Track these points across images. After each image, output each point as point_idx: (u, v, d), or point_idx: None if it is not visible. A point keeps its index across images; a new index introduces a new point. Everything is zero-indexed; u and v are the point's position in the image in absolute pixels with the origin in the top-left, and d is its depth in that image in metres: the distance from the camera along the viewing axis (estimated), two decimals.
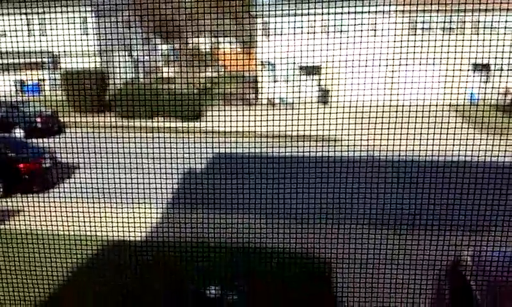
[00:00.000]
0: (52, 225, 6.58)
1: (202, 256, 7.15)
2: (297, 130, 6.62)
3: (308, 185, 6.37)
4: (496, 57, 6.17)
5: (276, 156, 7.20)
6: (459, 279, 6.23)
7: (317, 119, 6.66)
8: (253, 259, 8.01)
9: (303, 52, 7.46)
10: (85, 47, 7.35)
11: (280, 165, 6.62)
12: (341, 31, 7.51)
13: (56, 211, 6.60)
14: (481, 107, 8.60)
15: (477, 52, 6.09)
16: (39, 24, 7.70)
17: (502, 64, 6.60)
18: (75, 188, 7.82)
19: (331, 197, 6.40)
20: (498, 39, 6.19)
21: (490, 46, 6.27)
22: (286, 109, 8.03)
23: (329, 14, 6.83)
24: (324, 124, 6.64)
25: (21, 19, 7.29)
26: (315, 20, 7.87)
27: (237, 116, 6.78)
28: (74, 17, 6.93)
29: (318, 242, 6.39)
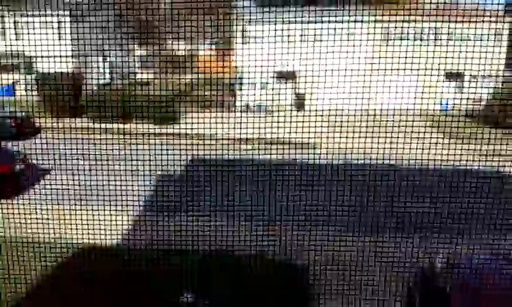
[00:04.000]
0: (22, 231, 6.50)
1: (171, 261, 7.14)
2: (271, 134, 6.68)
3: (281, 190, 6.43)
4: (464, 65, 6.34)
5: (250, 160, 7.24)
6: (430, 284, 6.36)
7: (290, 123, 6.73)
8: (223, 265, 8.03)
9: (278, 58, 7.54)
10: (60, 49, 7.29)
11: (255, 169, 6.66)
12: (314, 40, 7.62)
13: (24, 216, 6.52)
14: (452, 116, 8.80)
15: (449, 61, 6.25)
16: (14, 28, 7.63)
17: (474, 72, 6.79)
18: (46, 193, 7.72)
19: (305, 203, 6.47)
20: (466, 51, 6.37)
21: (461, 55, 6.44)
22: (262, 115, 8.10)
23: (301, 23, 6.93)
24: (297, 128, 6.71)
25: None
26: (290, 29, 7.97)
27: (210, 118, 6.82)
28: (46, 22, 6.89)
29: (293, 246, 6.45)
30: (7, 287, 6.40)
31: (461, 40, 8.25)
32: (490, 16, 9.16)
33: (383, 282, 6.03)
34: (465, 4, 6.51)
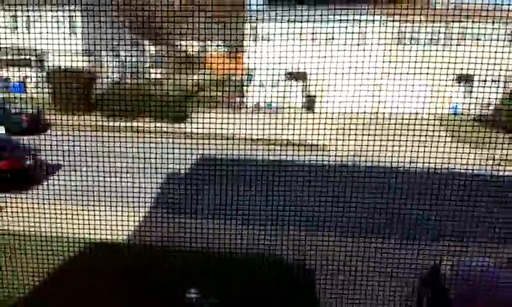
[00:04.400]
0: (33, 225, 6.53)
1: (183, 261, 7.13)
2: (281, 135, 6.65)
3: (290, 191, 6.40)
4: (479, 69, 6.26)
5: (260, 160, 7.22)
6: (436, 288, 6.31)
7: (300, 124, 6.70)
8: (232, 265, 8.01)
9: (290, 58, 7.50)
10: (72, 45, 7.31)
11: (265, 169, 6.64)
12: (326, 39, 7.57)
13: (33, 211, 6.55)
14: (464, 119, 8.72)
15: (462, 63, 6.17)
16: (26, 21, 7.65)
17: (486, 76, 6.71)
18: (57, 188, 7.76)
19: (313, 204, 6.43)
20: (484, 51, 6.28)
21: (472, 58, 6.36)
22: (272, 113, 8.06)
23: (314, 21, 6.88)
24: (307, 130, 6.68)
25: (4, 17, 7.23)
26: (302, 27, 7.93)
27: (221, 118, 6.80)
28: (58, 16, 6.90)
29: (300, 249, 6.42)
30: (14, 280, 6.43)
31: (472, 40, 8.15)
32: (507, 17, 9.05)
33: (389, 286, 5.98)
34: (479, 3, 6.42)
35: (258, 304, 7.44)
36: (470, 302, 5.77)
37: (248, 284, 7.65)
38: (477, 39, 7.45)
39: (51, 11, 6.38)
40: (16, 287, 6.59)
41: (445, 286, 6.13)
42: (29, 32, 7.23)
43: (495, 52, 6.17)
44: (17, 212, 6.79)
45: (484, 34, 8.44)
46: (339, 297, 6.08)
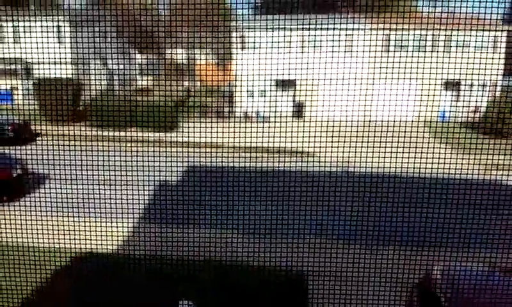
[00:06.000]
0: (20, 236, 6.46)
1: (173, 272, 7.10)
2: (268, 142, 6.65)
3: (282, 199, 6.40)
4: (465, 75, 6.33)
5: (248, 169, 7.22)
6: (429, 294, 6.34)
7: (292, 132, 6.71)
8: (225, 275, 7.99)
9: (278, 66, 7.54)
10: (59, 55, 7.28)
11: (253, 178, 6.64)
12: (314, 46, 7.62)
13: (20, 221, 6.48)
14: (452, 125, 8.80)
15: (448, 69, 6.24)
16: (12, 32, 7.61)
17: (473, 81, 6.78)
18: (44, 199, 7.69)
19: (304, 212, 6.44)
20: (468, 57, 6.35)
21: (459, 64, 6.42)
22: (261, 122, 8.07)
23: (303, 29, 6.91)
24: (297, 138, 6.70)
25: None
26: (290, 36, 7.96)
27: (211, 127, 6.80)
28: (47, 26, 6.87)
29: (291, 257, 6.42)
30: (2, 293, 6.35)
31: (457, 47, 8.24)
32: (490, 25, 9.18)
33: (382, 294, 5.99)
34: (464, 12, 6.51)
35: None
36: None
37: (238, 294, 7.63)
38: (462, 46, 7.54)
39: (40, 21, 6.34)
40: (4, 299, 6.50)
41: (436, 292, 6.16)
42: (14, 42, 7.19)
43: (479, 58, 6.25)
44: (5, 223, 6.71)
45: (469, 41, 8.54)
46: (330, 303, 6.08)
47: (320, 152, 7.41)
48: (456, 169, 6.39)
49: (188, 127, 7.68)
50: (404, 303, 6.62)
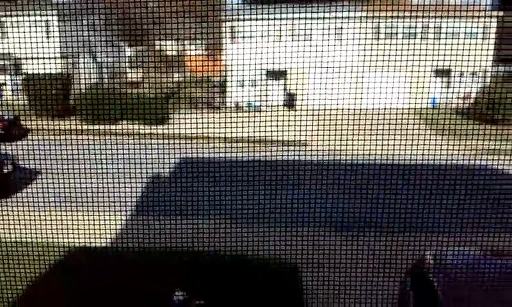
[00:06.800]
0: (13, 232, 6.44)
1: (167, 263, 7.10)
2: (259, 132, 6.65)
3: (275, 189, 6.42)
4: (455, 62, 6.36)
5: (241, 160, 7.23)
6: (422, 280, 6.39)
7: (283, 122, 6.72)
8: (218, 266, 8.02)
9: (269, 56, 7.53)
10: (49, 49, 7.21)
11: (245, 169, 6.65)
12: (305, 35, 7.61)
13: (13, 219, 6.46)
14: (442, 112, 8.86)
15: (437, 56, 6.26)
16: (0, 26, 7.53)
17: (463, 69, 6.80)
18: (36, 195, 7.66)
19: (297, 201, 6.46)
20: (458, 44, 6.38)
21: (450, 52, 6.45)
22: (253, 112, 8.07)
23: (293, 19, 6.91)
24: (289, 127, 6.71)
25: None
26: (280, 25, 7.95)
27: (202, 118, 6.79)
28: (36, 21, 6.80)
29: (284, 247, 6.44)
30: None
31: (446, 34, 8.28)
32: (479, 12, 9.21)
33: (375, 281, 6.04)
34: (453, 1, 6.53)
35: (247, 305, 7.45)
36: (459, 298, 5.86)
37: (234, 285, 7.66)
38: (452, 33, 7.57)
39: (28, 16, 6.27)
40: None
41: (430, 278, 6.21)
42: (2, 37, 7.12)
43: (469, 45, 6.27)
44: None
45: (459, 28, 8.58)
46: (325, 294, 6.12)
47: (312, 140, 7.43)
48: (447, 155, 6.44)
49: (179, 119, 7.66)
50: (397, 289, 6.68)
